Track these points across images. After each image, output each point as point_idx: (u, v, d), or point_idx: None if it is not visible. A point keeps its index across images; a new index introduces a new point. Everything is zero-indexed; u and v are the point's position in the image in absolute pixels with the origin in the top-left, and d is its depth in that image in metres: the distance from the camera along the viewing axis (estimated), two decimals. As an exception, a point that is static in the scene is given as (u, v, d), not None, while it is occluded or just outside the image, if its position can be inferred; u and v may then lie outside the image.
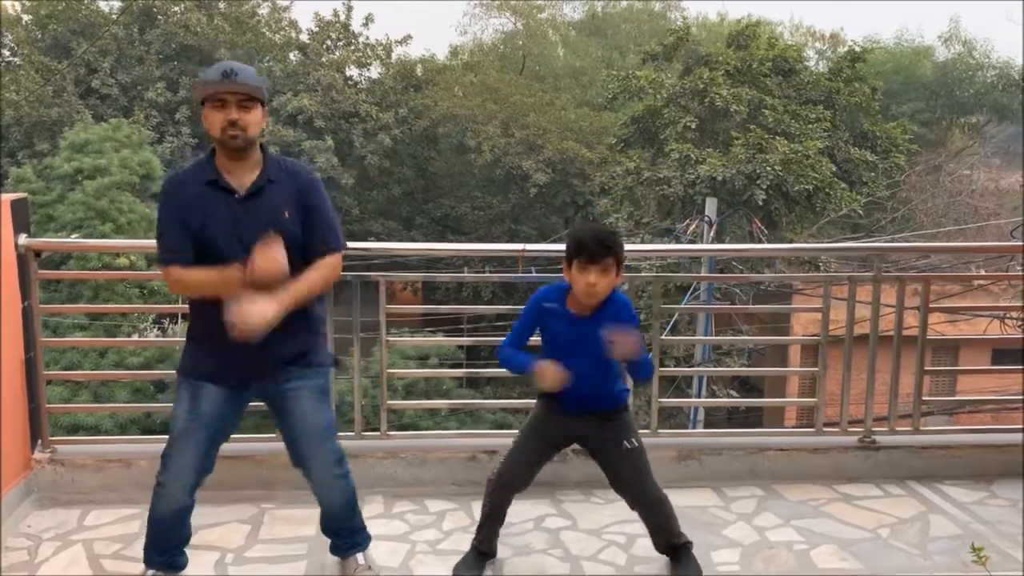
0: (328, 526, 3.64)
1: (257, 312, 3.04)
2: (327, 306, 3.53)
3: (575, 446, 3.89)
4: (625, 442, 3.60)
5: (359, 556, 3.64)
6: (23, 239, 4.17)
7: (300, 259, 3.24)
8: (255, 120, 3.16)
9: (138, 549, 3.72)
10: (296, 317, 3.24)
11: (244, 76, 3.12)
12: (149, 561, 3.48)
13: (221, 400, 3.32)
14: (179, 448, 3.32)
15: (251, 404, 3.51)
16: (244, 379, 3.33)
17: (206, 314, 3.23)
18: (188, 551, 3.67)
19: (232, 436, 4.39)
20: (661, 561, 3.78)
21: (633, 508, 3.70)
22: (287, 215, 3.21)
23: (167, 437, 3.39)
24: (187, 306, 3.39)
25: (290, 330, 3.24)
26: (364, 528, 3.69)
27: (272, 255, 3.07)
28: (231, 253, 3.15)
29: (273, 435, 4.43)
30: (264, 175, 3.22)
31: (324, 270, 3.29)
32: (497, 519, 3.73)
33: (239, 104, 3.12)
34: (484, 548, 3.73)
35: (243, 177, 3.21)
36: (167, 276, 3.24)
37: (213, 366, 3.29)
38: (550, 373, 3.46)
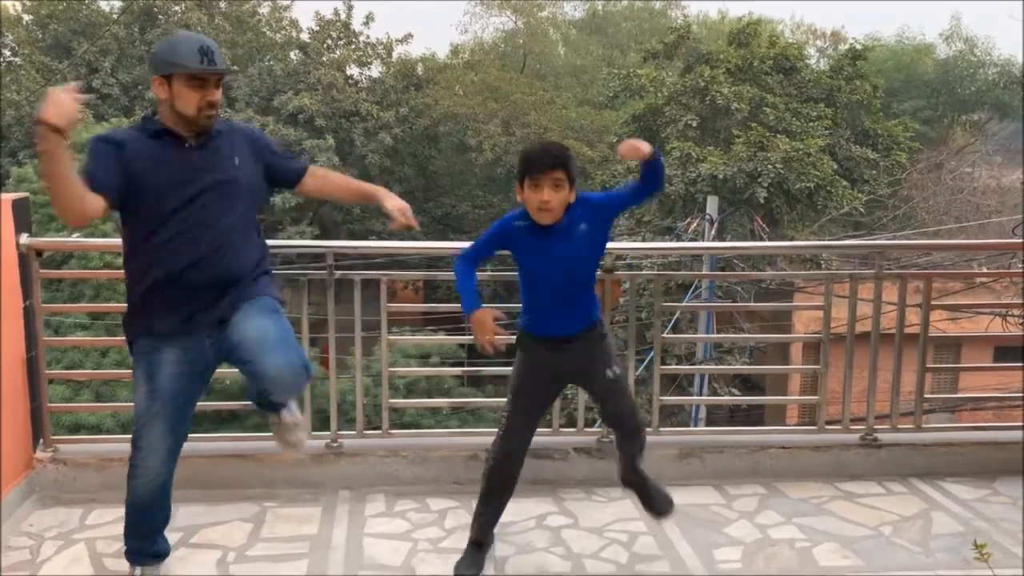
0: (261, 400, 3.56)
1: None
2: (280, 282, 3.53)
3: (575, 445, 3.88)
4: (607, 371, 3.61)
5: (284, 413, 3.62)
6: (24, 239, 4.17)
7: (252, 202, 3.34)
8: (220, 97, 3.21)
9: None
10: (247, 260, 3.28)
11: (219, 57, 3.14)
12: (133, 554, 3.46)
13: (177, 373, 3.25)
14: (147, 428, 3.26)
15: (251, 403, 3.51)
16: (196, 326, 3.25)
17: (156, 264, 3.19)
18: (188, 549, 3.72)
19: (234, 435, 4.42)
20: (663, 559, 3.81)
21: (613, 431, 3.80)
22: (237, 161, 3.25)
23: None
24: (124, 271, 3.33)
25: (238, 272, 3.26)
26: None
27: None
28: (179, 199, 3.14)
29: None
30: (209, 136, 3.23)
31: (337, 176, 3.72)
32: (497, 499, 3.70)
33: (216, 83, 3.15)
34: (480, 538, 3.73)
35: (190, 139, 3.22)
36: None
37: (165, 321, 3.23)
38: (487, 325, 3.45)
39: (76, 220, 3.03)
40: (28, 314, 4.23)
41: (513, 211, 3.57)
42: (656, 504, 3.77)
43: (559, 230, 3.43)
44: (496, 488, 3.69)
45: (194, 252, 3.16)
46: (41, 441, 4.38)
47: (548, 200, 3.34)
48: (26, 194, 4.33)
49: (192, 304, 3.20)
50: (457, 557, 3.75)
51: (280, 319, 3.31)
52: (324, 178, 3.63)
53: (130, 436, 3.35)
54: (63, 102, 2.89)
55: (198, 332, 3.25)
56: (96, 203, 3.06)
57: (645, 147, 3.33)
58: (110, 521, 4.05)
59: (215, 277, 3.20)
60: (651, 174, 3.42)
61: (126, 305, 3.34)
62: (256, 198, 3.39)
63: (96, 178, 3.07)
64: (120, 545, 3.78)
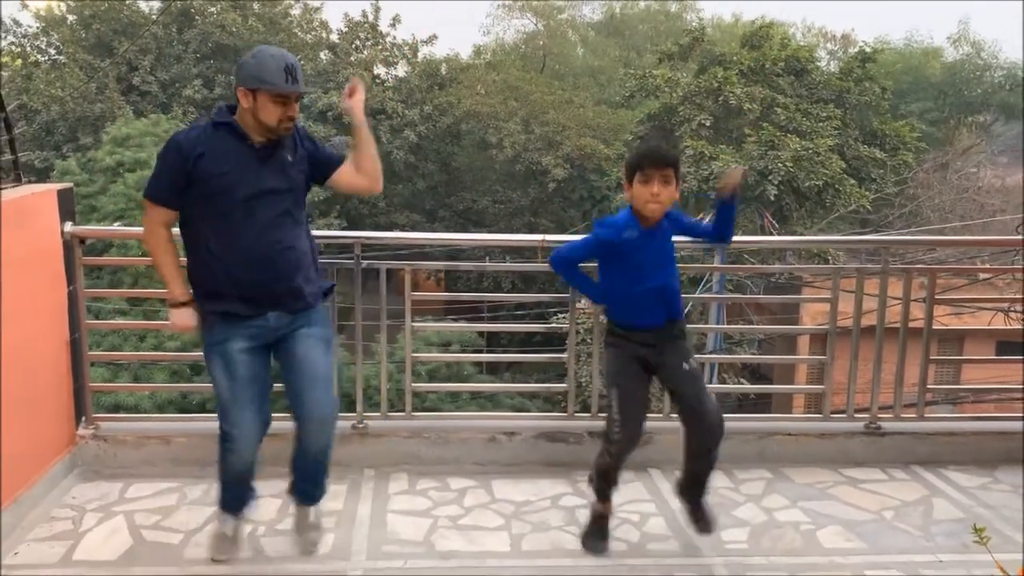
0: (299, 465, 3.73)
1: None
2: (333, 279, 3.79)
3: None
4: (685, 364, 3.72)
5: (311, 510, 3.81)
6: (68, 227, 4.32)
7: (300, 201, 3.52)
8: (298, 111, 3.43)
9: (176, 520, 3.96)
10: (303, 250, 3.49)
11: (301, 75, 3.36)
12: (226, 506, 3.72)
13: (249, 359, 3.48)
14: (237, 414, 3.48)
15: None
16: (262, 305, 3.46)
17: (217, 258, 3.42)
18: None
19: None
20: (673, 539, 3.93)
21: (690, 433, 3.78)
22: (290, 159, 3.44)
23: (203, 413, 3.61)
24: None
25: (299, 258, 3.48)
26: (324, 483, 3.81)
27: None
28: (235, 197, 3.35)
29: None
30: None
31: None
32: (612, 479, 3.84)
33: (296, 100, 3.35)
34: (606, 511, 3.89)
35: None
36: (150, 211, 3.46)
37: (234, 298, 3.44)
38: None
39: None
40: (72, 298, 4.37)
41: (603, 227, 3.72)
42: (703, 522, 3.86)
43: (657, 232, 3.63)
44: (613, 463, 3.80)
45: (249, 253, 3.38)
46: (83, 418, 4.53)
47: (658, 193, 3.51)
48: (70, 185, 4.49)
49: (254, 292, 3.43)
50: (476, 534, 3.92)
51: (330, 357, 3.64)
52: (349, 163, 3.66)
53: (167, 415, 3.54)
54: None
55: (263, 314, 3.48)
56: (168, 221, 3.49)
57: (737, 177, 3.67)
58: (148, 495, 4.22)
59: (270, 275, 3.42)
60: (726, 217, 3.76)
61: (194, 288, 3.55)
62: (303, 195, 3.57)
63: (159, 196, 3.43)
64: (157, 518, 4.01)
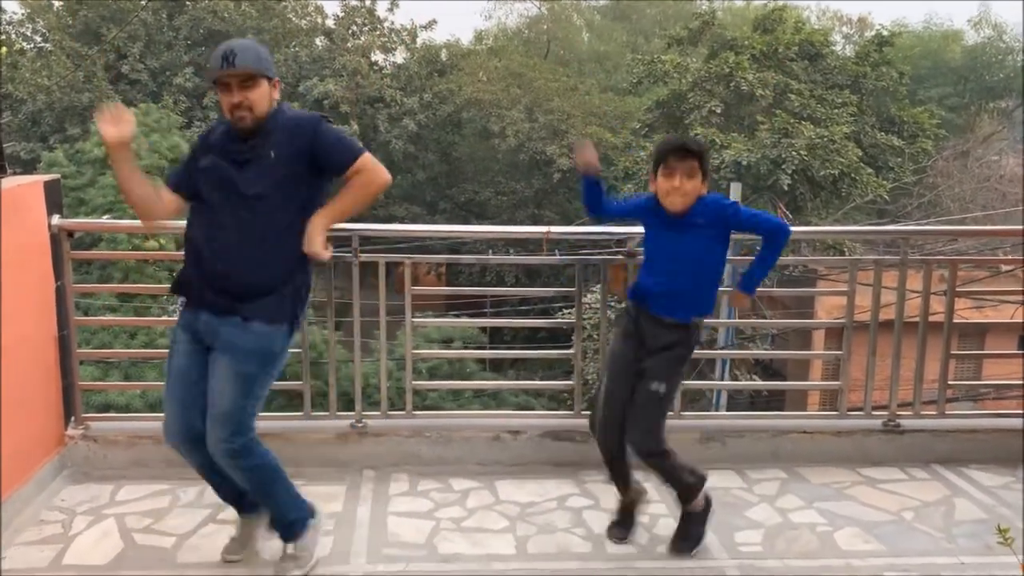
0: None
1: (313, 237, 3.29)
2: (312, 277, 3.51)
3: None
4: (655, 383, 3.62)
5: (289, 546, 3.55)
6: (56, 220, 4.24)
7: (283, 200, 3.25)
8: (260, 96, 3.22)
9: (168, 524, 3.89)
10: (255, 256, 3.26)
11: (242, 58, 3.19)
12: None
13: (186, 352, 3.38)
14: (166, 404, 3.43)
15: (282, 387, 3.55)
16: (197, 299, 3.36)
17: (186, 242, 3.39)
18: (216, 525, 3.83)
19: (261, 415, 4.47)
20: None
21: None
22: (272, 155, 3.22)
23: None
24: None
25: (246, 264, 3.27)
26: (293, 520, 3.54)
27: None
28: (203, 190, 3.29)
29: (301, 414, 4.58)
30: (262, 130, 3.25)
31: (355, 186, 3.31)
32: (617, 465, 3.81)
33: (241, 85, 3.19)
34: (625, 500, 3.87)
35: None
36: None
37: (185, 283, 3.40)
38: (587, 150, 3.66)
39: (147, 223, 3.51)
40: (59, 294, 4.29)
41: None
42: (682, 544, 3.80)
43: (678, 223, 3.54)
44: (603, 452, 3.82)
45: (205, 245, 3.29)
46: (72, 418, 4.45)
47: (679, 185, 3.45)
48: (57, 176, 4.43)
49: (201, 284, 3.32)
50: (479, 536, 3.84)
51: (240, 392, 3.29)
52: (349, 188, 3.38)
53: (159, 415, 3.49)
54: (116, 121, 3.21)
55: (201, 309, 3.35)
56: (168, 204, 3.40)
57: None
58: (139, 497, 4.14)
59: (215, 273, 3.28)
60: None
61: None
62: (291, 197, 3.27)
63: (169, 179, 3.45)
64: (149, 521, 3.94)
